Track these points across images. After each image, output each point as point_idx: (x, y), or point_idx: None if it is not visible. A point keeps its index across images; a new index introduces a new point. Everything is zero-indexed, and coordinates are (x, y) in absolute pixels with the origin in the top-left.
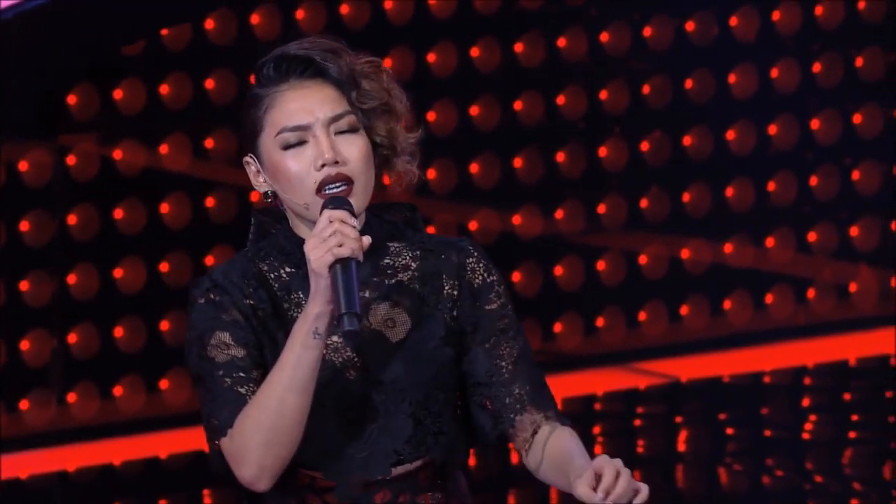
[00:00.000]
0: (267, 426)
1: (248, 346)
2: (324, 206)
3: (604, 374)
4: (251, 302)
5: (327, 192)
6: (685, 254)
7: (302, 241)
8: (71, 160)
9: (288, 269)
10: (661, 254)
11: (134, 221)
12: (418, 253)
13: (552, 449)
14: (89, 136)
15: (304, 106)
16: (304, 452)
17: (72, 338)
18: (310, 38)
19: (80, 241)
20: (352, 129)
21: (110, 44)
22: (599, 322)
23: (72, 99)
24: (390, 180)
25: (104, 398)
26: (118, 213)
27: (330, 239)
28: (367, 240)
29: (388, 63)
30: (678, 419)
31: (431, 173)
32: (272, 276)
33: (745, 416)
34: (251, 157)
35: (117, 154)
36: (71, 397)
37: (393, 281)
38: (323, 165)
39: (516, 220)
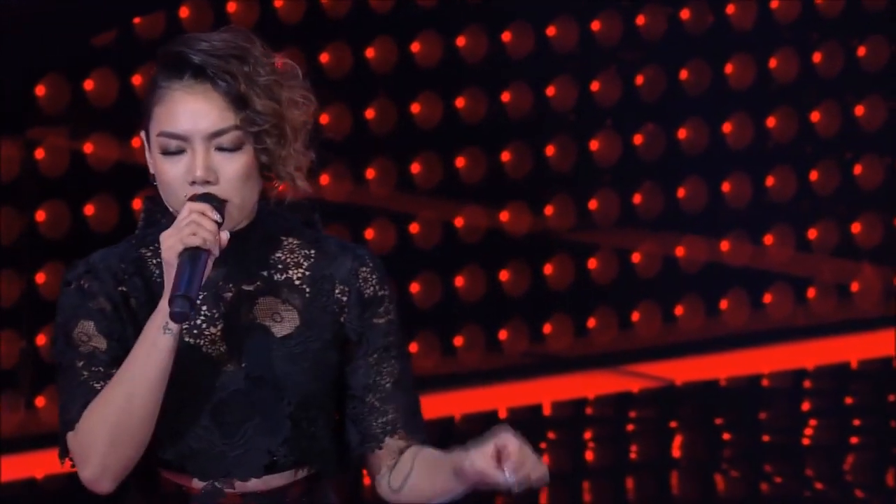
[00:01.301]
0: (112, 424)
1: (112, 338)
2: (190, 199)
3: (595, 376)
4: (124, 289)
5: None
6: (680, 252)
7: None
8: (39, 154)
9: None
10: (654, 252)
11: (106, 218)
12: (312, 252)
13: (423, 457)
14: (59, 130)
15: (187, 114)
16: (172, 450)
17: (41, 339)
18: (219, 34)
19: (49, 238)
20: (234, 147)
21: (81, 33)
22: (590, 323)
23: (40, 90)
24: (275, 193)
25: None
26: (89, 210)
27: (184, 228)
28: (224, 235)
29: (370, 53)
30: (673, 424)
31: (415, 167)
32: (153, 262)
33: (743, 420)
34: (143, 134)
35: (88, 148)
36: (40, 401)
37: (283, 277)
38: (193, 182)
39: (504, 216)
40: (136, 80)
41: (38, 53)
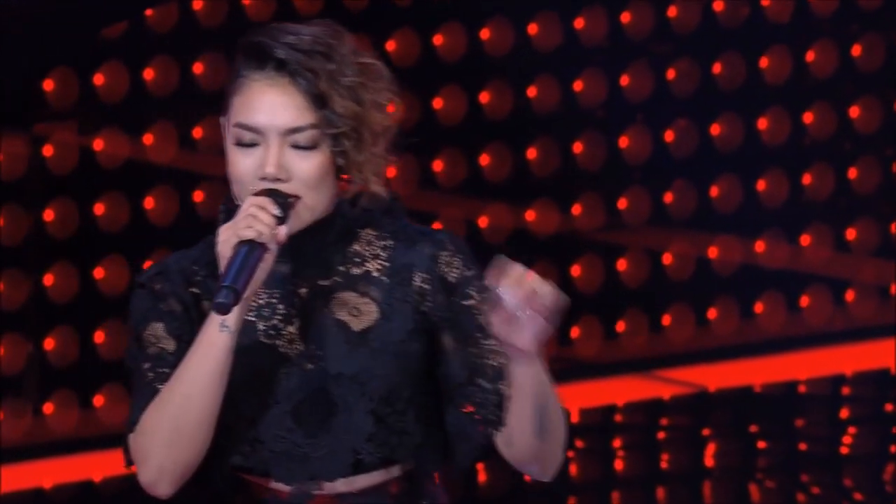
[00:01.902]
0: (169, 425)
1: (181, 340)
2: (254, 194)
3: (624, 382)
4: (196, 291)
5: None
6: (713, 252)
7: None
8: (47, 151)
9: None
10: (686, 252)
11: (116, 217)
12: (391, 242)
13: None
14: (67, 125)
15: (265, 106)
16: (255, 456)
17: (49, 343)
18: (307, 27)
19: (57, 238)
20: (309, 146)
21: (90, 25)
22: (620, 326)
23: (48, 84)
24: (350, 195)
25: (84, 408)
26: (99, 209)
27: (241, 222)
28: (283, 231)
29: (391, 46)
30: (705, 432)
31: (438, 165)
32: None
33: (779, 428)
34: (223, 120)
35: (98, 144)
36: (48, 408)
37: (360, 270)
38: (263, 178)
39: (530, 215)
40: (148, 73)
41: (45, 46)
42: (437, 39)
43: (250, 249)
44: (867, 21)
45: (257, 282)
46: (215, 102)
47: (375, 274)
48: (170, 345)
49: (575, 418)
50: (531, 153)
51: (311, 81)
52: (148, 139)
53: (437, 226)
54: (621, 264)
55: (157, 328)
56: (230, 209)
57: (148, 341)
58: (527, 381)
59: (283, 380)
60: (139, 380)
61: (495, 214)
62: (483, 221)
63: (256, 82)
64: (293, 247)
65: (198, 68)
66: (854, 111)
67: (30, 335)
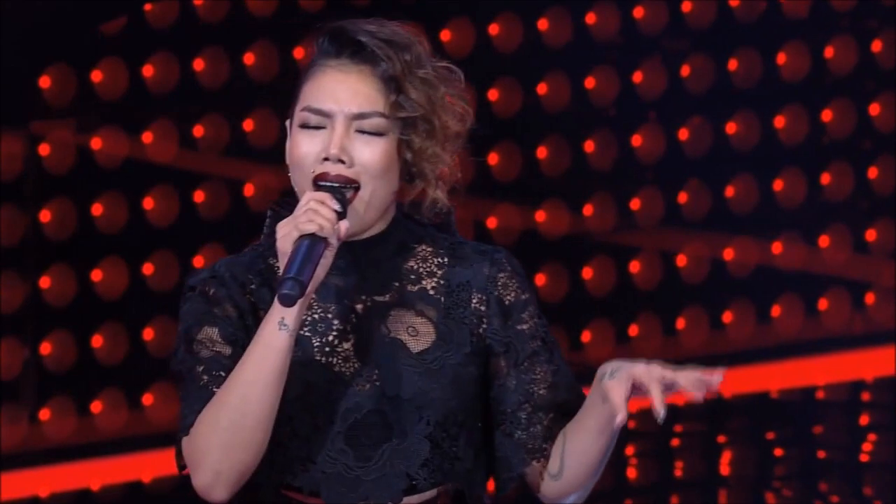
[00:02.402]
0: (224, 426)
1: (237, 346)
2: (314, 189)
3: None
4: (251, 299)
5: (323, 187)
6: (729, 254)
7: None
8: (44, 150)
9: None
10: (701, 254)
11: (114, 218)
12: (446, 260)
13: (569, 425)
14: (64, 124)
15: (335, 91)
16: (304, 475)
17: (45, 347)
18: (388, 21)
19: (54, 240)
20: (376, 133)
21: (88, 20)
22: (632, 330)
23: (45, 81)
24: (409, 200)
25: (81, 415)
26: (97, 209)
27: (301, 216)
28: (344, 224)
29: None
30: (721, 439)
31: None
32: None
33: (796, 435)
34: (288, 122)
35: (96, 143)
36: (44, 414)
37: (416, 288)
38: (325, 159)
39: (539, 216)
40: (147, 70)
41: (42, 42)
42: (444, 35)
43: (312, 243)
44: (887, 16)
45: (318, 279)
46: (217, 100)
47: (431, 292)
48: (225, 349)
49: None
50: (541, 152)
51: (387, 66)
52: (147, 138)
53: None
54: (634, 266)
55: (212, 332)
56: (280, 206)
57: (202, 345)
58: (610, 429)
59: (338, 399)
60: (192, 383)
61: (504, 215)
62: (491, 222)
63: (330, 68)
64: (348, 260)
65: (199, 65)
66: (874, 108)
67: (26, 339)
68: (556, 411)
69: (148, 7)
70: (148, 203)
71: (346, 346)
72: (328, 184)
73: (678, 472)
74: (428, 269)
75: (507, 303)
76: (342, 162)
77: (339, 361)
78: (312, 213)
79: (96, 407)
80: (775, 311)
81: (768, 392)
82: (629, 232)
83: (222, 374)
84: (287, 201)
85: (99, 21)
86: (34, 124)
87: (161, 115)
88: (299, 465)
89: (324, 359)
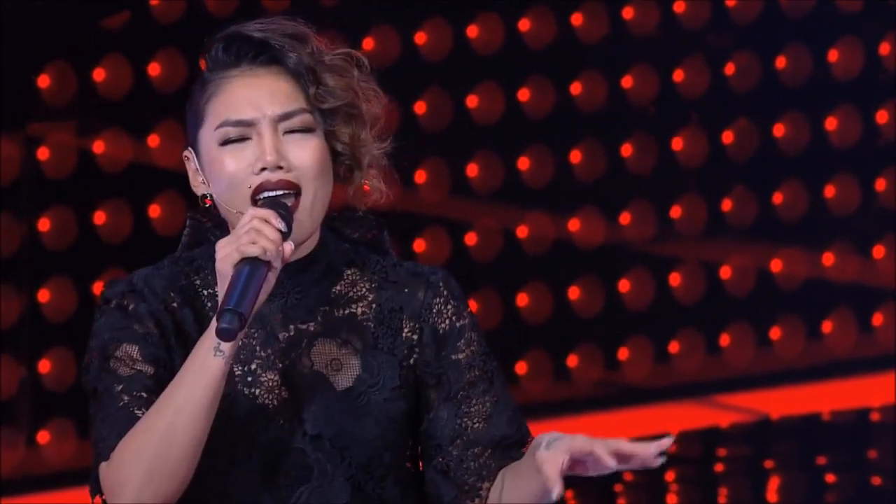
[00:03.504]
0: (150, 454)
1: (158, 365)
2: (254, 203)
3: (679, 409)
4: (174, 318)
5: (264, 199)
6: (776, 266)
7: None
8: (43, 154)
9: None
10: (747, 266)
11: (118, 227)
12: (377, 284)
13: (511, 468)
14: (65, 126)
15: (251, 98)
16: None
17: (44, 366)
18: (273, 17)
19: (53, 249)
20: (305, 130)
21: (89, 15)
22: (673, 347)
23: (44, 81)
24: (351, 196)
25: (82, 438)
26: (99, 217)
27: (243, 236)
28: (288, 246)
29: (421, 38)
30: (768, 464)
31: (472, 169)
32: (205, 293)
33: (849, 460)
34: (191, 151)
35: (98, 146)
36: (43, 437)
37: (344, 313)
38: (263, 169)
39: (573, 225)
40: (153, 69)
41: (41, 38)
42: (471, 31)
43: (253, 268)
44: None
45: (259, 304)
46: None
47: (361, 318)
48: (147, 368)
49: None
50: (575, 156)
51: (296, 60)
52: (153, 140)
53: (471, 237)
54: (674, 279)
55: (132, 350)
56: (200, 215)
57: (120, 362)
58: (547, 499)
59: (258, 433)
60: (110, 402)
61: (535, 224)
62: (522, 231)
63: (235, 78)
64: (273, 284)
65: None
66: None
67: (23, 357)
68: (494, 447)
69: (153, 1)
70: (154, 210)
71: (270, 375)
72: (270, 193)
73: (722, 500)
74: (358, 294)
75: (441, 331)
76: (280, 168)
77: (263, 393)
78: (255, 234)
79: None
80: (826, 326)
81: (819, 414)
82: (669, 242)
83: (143, 394)
84: (209, 211)
85: (101, 16)
86: (32, 126)
87: (168, 116)
88: (215, 499)
89: (246, 389)
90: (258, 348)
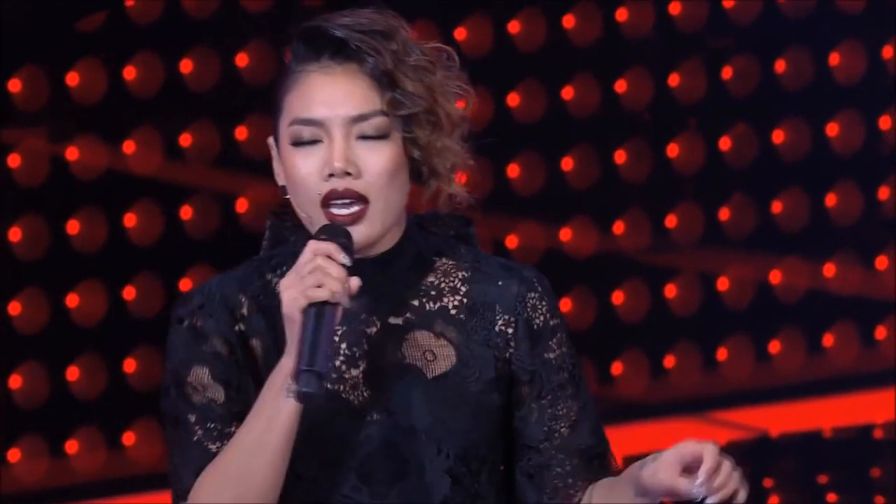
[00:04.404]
0: (229, 498)
1: (230, 387)
2: (315, 235)
3: (674, 425)
4: (242, 328)
5: (332, 209)
6: (776, 277)
7: None
8: (14, 161)
9: None
10: (746, 277)
11: (92, 237)
12: (470, 275)
13: (600, 486)
14: (37, 132)
15: (325, 97)
16: None
17: (15, 381)
18: (360, 11)
19: (25, 260)
20: (379, 135)
21: (63, 16)
22: (668, 361)
23: (15, 85)
24: (429, 200)
25: (55, 456)
26: (73, 227)
27: (308, 277)
28: (355, 282)
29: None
30: (767, 482)
31: (460, 177)
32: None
33: (851, 478)
34: (272, 140)
35: (72, 153)
36: (13, 455)
37: (437, 305)
38: (331, 175)
39: (565, 234)
40: (129, 72)
41: (12, 40)
42: (459, 34)
43: (321, 314)
44: None
45: (331, 345)
46: (207, 105)
47: (453, 311)
48: (218, 394)
49: (617, 466)
50: (567, 163)
51: (376, 60)
52: (129, 147)
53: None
54: (670, 290)
55: (202, 374)
56: (280, 217)
57: (193, 388)
58: None
59: (347, 432)
60: (185, 434)
61: (526, 233)
62: (511, 241)
63: (313, 73)
64: (360, 278)
65: (186, 66)
66: None
67: None
68: (580, 456)
69: (129, 2)
70: (129, 220)
71: (355, 372)
72: (341, 210)
73: None
74: (450, 285)
75: (535, 327)
76: (349, 174)
77: (348, 389)
78: (322, 275)
79: (71, 447)
80: (828, 340)
81: (820, 430)
82: (665, 252)
83: (217, 426)
84: (287, 211)
85: (75, 17)
86: (3, 132)
87: (144, 121)
88: None
89: (330, 386)
90: (343, 345)
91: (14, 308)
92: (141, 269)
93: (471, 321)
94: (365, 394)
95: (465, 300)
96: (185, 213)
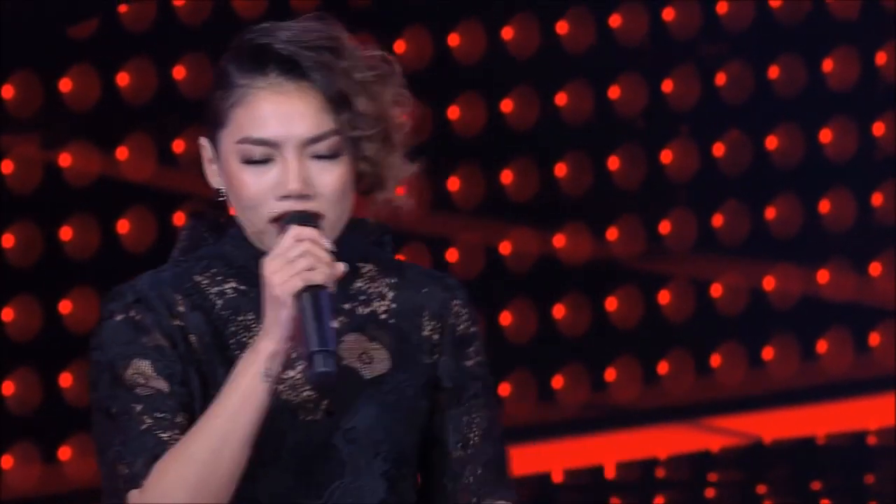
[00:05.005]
0: (194, 483)
1: (174, 381)
2: (287, 222)
3: (668, 432)
4: (181, 324)
5: (286, 225)
6: (769, 283)
7: (259, 254)
8: (7, 167)
9: (236, 286)
10: (739, 283)
11: (85, 243)
12: (395, 281)
13: None
14: (30, 138)
15: (278, 116)
16: None
17: (7, 387)
18: (305, 23)
19: (17, 267)
20: (332, 155)
21: (56, 23)
22: (662, 368)
23: (7, 91)
24: (372, 210)
25: (48, 462)
26: (66, 233)
27: (299, 261)
28: (341, 266)
29: (399, 47)
30: (761, 489)
31: (453, 183)
32: (213, 290)
33: (845, 485)
34: (207, 142)
35: (64, 159)
36: (6, 461)
37: (367, 310)
38: (286, 197)
39: (558, 241)
40: (122, 78)
41: (5, 46)
42: (453, 40)
43: (318, 297)
44: None
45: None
46: (199, 111)
47: (383, 316)
48: (163, 386)
49: (611, 473)
50: (560, 170)
51: (328, 80)
52: (122, 153)
53: (452, 254)
54: (664, 297)
55: (144, 366)
56: (200, 219)
57: (134, 381)
58: None
59: (286, 432)
60: (129, 425)
61: (519, 240)
62: (505, 248)
63: (262, 90)
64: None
65: (179, 73)
66: None
67: None
68: (487, 467)
69: (123, 8)
70: (122, 226)
71: (293, 373)
72: (297, 217)
73: None
74: (377, 291)
75: (458, 334)
76: (306, 196)
77: (287, 390)
78: (314, 260)
79: (64, 453)
80: (822, 346)
81: (814, 437)
82: (659, 259)
83: (165, 415)
84: (205, 215)
85: (68, 24)
86: None
87: (137, 128)
88: None
89: (268, 406)
90: None
91: (7, 314)
92: (134, 276)
93: (400, 327)
94: (303, 395)
95: (393, 305)
96: (179, 219)
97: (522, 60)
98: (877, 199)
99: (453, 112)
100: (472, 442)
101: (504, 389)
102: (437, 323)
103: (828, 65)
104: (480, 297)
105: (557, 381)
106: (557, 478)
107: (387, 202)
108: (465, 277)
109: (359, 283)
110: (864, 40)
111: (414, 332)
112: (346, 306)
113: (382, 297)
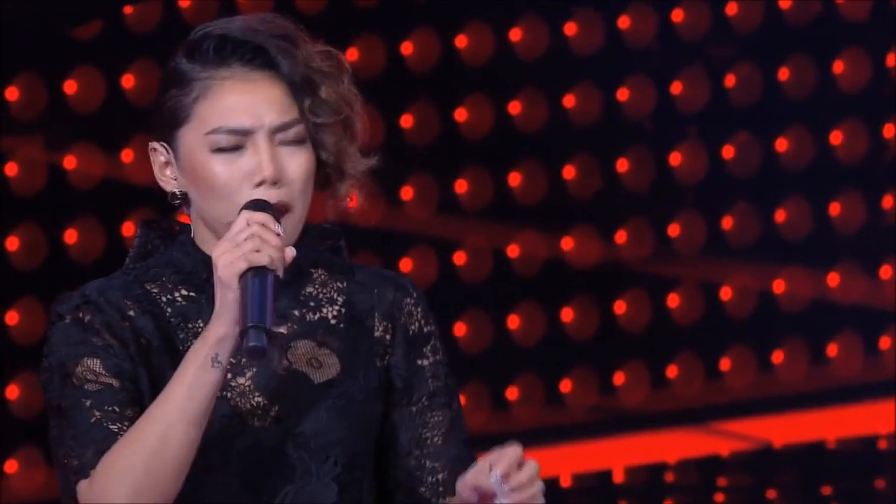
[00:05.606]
0: (141, 469)
1: (123, 378)
2: (242, 208)
3: (677, 436)
4: (132, 326)
5: (254, 201)
6: (779, 286)
7: (208, 259)
8: (11, 169)
9: (186, 293)
10: (748, 286)
11: (90, 246)
12: (345, 285)
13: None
14: (34, 140)
15: (248, 106)
16: None
17: (12, 391)
18: (260, 15)
19: (22, 269)
20: (298, 141)
21: (60, 24)
22: (671, 372)
23: (12, 93)
24: (329, 205)
25: (52, 467)
26: (70, 236)
27: (245, 243)
28: (290, 252)
29: (408, 49)
30: (770, 494)
31: (461, 185)
32: (164, 299)
33: (855, 490)
34: (163, 145)
35: (69, 162)
36: (10, 466)
37: (317, 316)
38: (260, 183)
39: (567, 244)
40: (127, 81)
41: (9, 48)
42: (460, 41)
43: (263, 278)
44: None
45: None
46: None
47: (333, 321)
48: (113, 382)
49: (619, 477)
50: (568, 172)
51: (293, 67)
52: (127, 156)
53: (459, 257)
54: (672, 300)
55: (94, 364)
56: (152, 228)
57: (84, 378)
58: None
59: (233, 437)
60: (78, 419)
61: (527, 243)
62: (513, 251)
63: (227, 80)
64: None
65: None
66: None
67: None
68: (450, 467)
69: (128, 9)
70: (127, 229)
71: (242, 380)
72: (252, 204)
73: None
74: (328, 296)
75: (410, 333)
76: (279, 182)
77: (235, 396)
78: (259, 241)
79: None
80: (832, 350)
81: (824, 441)
82: (667, 262)
83: (115, 408)
84: (156, 223)
85: (73, 25)
86: (0, 140)
87: (142, 130)
88: None
89: (218, 393)
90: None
91: (11, 317)
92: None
93: (351, 331)
94: (253, 401)
95: (343, 310)
96: (183, 221)
97: (530, 62)
98: (887, 201)
99: (461, 114)
100: (429, 441)
101: (511, 393)
102: (388, 323)
103: (838, 66)
104: (488, 301)
105: (565, 385)
106: (566, 482)
107: (340, 200)
108: (473, 280)
109: (309, 289)
110: (874, 42)
111: (365, 336)
112: (297, 312)
113: (333, 301)
